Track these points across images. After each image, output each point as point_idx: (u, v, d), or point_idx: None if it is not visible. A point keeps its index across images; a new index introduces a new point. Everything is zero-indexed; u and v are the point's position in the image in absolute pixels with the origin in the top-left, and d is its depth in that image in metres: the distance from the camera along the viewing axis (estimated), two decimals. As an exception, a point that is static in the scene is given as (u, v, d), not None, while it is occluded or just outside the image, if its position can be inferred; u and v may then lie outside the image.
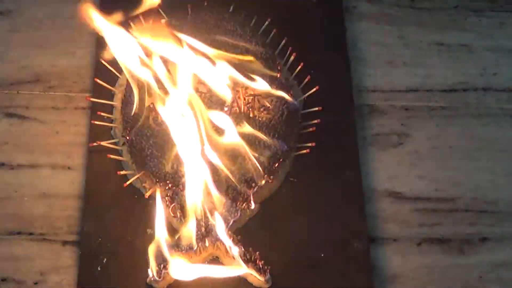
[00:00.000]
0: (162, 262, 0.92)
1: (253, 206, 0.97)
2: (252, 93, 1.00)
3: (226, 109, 0.97)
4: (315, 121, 1.04)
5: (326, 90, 1.06)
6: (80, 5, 0.90)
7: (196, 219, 0.92)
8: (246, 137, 0.97)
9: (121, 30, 0.92)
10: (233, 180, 0.95)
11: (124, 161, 1.01)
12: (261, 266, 0.93)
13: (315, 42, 1.13)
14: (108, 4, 1.13)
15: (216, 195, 0.93)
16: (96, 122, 1.02)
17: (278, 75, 1.02)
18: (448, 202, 1.04)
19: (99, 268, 0.94)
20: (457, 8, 1.21)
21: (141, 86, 0.97)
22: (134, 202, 0.98)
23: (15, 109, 1.07)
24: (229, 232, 0.95)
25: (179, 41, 0.96)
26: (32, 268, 0.96)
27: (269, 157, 0.97)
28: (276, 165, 0.98)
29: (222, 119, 0.94)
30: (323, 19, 1.16)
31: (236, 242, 0.93)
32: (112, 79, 1.07)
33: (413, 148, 1.08)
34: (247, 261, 0.93)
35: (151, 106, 0.97)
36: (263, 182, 0.97)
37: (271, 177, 0.99)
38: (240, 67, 1.00)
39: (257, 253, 0.93)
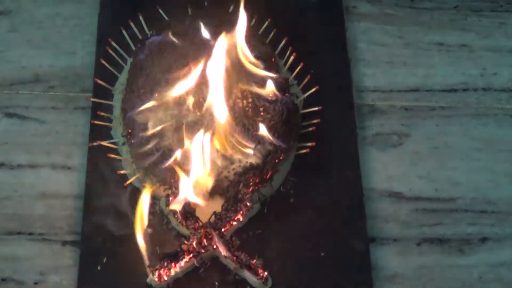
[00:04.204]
0: (159, 262, 0.92)
1: (253, 206, 0.97)
2: (252, 92, 1.00)
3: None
4: (315, 121, 1.04)
5: (326, 90, 1.06)
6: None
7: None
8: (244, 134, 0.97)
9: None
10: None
11: (124, 161, 1.01)
12: (259, 269, 0.93)
13: (315, 42, 1.13)
14: (108, 4, 1.14)
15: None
16: (96, 122, 1.02)
17: (277, 76, 1.02)
18: (448, 202, 1.04)
19: (99, 268, 0.94)
20: (457, 8, 1.21)
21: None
22: (134, 202, 0.98)
23: (15, 109, 1.07)
24: (227, 232, 0.95)
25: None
26: (32, 268, 0.96)
27: (269, 154, 0.97)
28: (276, 162, 0.98)
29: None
30: (323, 19, 1.16)
31: (234, 244, 0.94)
32: (112, 79, 1.07)
33: (413, 148, 1.08)
34: (245, 265, 0.93)
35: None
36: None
37: (272, 175, 0.99)
38: (240, 67, 1.01)
39: (254, 260, 0.93)
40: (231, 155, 0.96)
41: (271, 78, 1.00)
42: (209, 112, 0.96)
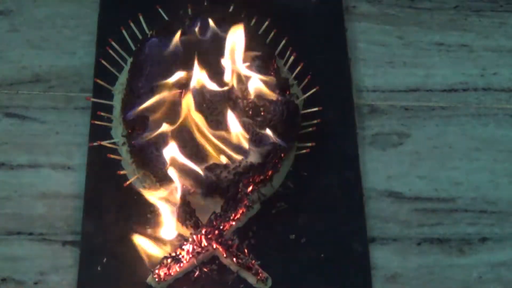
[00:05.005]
0: (159, 262, 0.92)
1: (253, 206, 0.97)
2: (252, 92, 1.00)
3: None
4: (315, 121, 1.04)
5: (326, 90, 1.06)
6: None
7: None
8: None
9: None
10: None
11: (124, 161, 1.01)
12: (259, 269, 0.93)
13: (315, 42, 1.13)
14: (108, 4, 1.14)
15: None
16: (96, 122, 1.02)
17: (276, 76, 1.02)
18: (448, 202, 1.04)
19: (99, 268, 0.94)
20: (457, 8, 1.21)
21: None
22: (134, 202, 0.98)
23: (15, 109, 1.07)
24: (227, 232, 0.96)
25: None
26: (32, 268, 0.96)
27: (269, 154, 0.97)
28: (276, 162, 0.98)
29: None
30: (323, 19, 1.16)
31: (235, 244, 0.94)
32: (112, 79, 1.07)
33: (413, 148, 1.08)
34: (245, 265, 0.93)
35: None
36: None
37: (272, 175, 0.99)
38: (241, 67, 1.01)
39: (254, 261, 0.93)
40: (231, 155, 0.96)
41: (271, 79, 1.01)
42: (209, 112, 0.97)
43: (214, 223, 0.94)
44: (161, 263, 0.92)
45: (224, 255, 0.94)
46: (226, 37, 1.00)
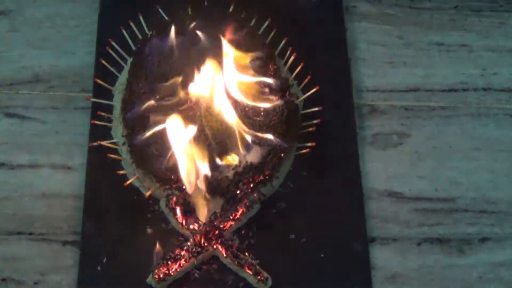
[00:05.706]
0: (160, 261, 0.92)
1: (253, 205, 0.97)
2: (252, 92, 1.00)
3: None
4: (315, 121, 1.04)
5: (326, 90, 1.06)
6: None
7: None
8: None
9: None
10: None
11: (124, 161, 1.01)
12: (259, 270, 0.93)
13: (315, 42, 1.13)
14: (108, 4, 1.15)
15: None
16: (96, 122, 1.02)
17: (275, 77, 1.02)
18: (448, 202, 1.04)
19: (99, 268, 0.94)
20: (457, 8, 1.21)
21: None
22: (134, 202, 0.98)
23: (15, 109, 1.07)
24: (227, 232, 0.96)
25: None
26: (32, 268, 0.96)
27: (269, 154, 0.97)
28: (276, 162, 0.98)
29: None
30: (323, 19, 1.16)
31: (235, 244, 0.94)
32: (112, 79, 1.07)
33: (413, 148, 1.08)
34: (245, 265, 0.93)
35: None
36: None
37: (272, 175, 0.99)
38: (240, 68, 1.01)
39: (254, 261, 0.93)
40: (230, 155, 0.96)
41: (271, 79, 1.01)
42: (209, 112, 0.96)
43: (214, 223, 0.94)
44: (161, 263, 0.92)
45: (224, 255, 0.94)
46: (224, 38, 1.01)
